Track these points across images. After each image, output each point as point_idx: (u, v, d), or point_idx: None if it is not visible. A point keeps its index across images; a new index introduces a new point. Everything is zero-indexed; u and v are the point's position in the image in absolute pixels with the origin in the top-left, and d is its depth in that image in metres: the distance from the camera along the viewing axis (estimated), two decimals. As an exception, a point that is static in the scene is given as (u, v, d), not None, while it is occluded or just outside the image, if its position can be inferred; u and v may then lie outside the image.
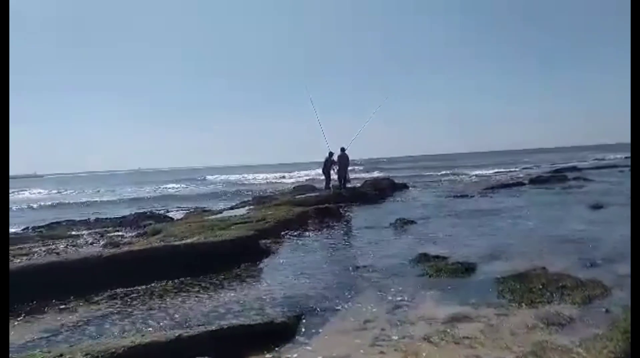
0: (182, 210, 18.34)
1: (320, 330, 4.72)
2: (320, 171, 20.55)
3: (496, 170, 36.74)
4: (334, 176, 19.29)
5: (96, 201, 29.70)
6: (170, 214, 16.04)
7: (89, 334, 4.95)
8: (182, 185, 44.60)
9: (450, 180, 29.22)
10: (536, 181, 20.95)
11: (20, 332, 5.09)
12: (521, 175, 27.73)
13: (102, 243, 10.10)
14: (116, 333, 4.93)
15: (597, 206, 12.05)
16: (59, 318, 5.54)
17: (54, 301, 6.12)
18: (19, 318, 5.59)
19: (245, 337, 4.28)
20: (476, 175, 32.35)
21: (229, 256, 7.85)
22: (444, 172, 38.87)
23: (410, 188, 22.50)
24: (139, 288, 6.66)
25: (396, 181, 23.29)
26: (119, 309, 5.81)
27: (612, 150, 68.12)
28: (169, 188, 41.17)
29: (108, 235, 11.06)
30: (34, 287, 6.22)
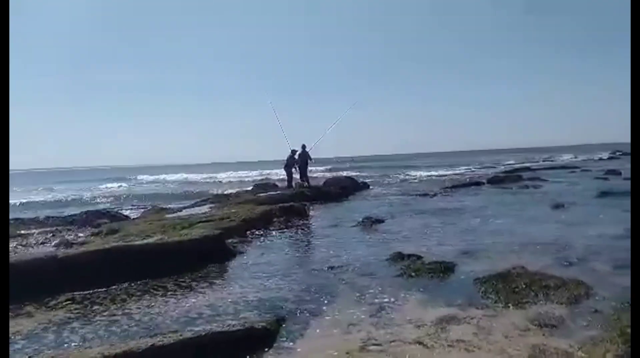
0: (137, 209, 17.60)
1: (304, 334, 4.44)
2: (282, 169, 20.19)
3: (452, 171, 37.26)
4: (296, 174, 19.04)
5: (35, 201, 27.34)
6: (125, 213, 15.31)
7: (48, 343, 4.48)
8: (122, 184, 42.69)
9: (408, 179, 29.47)
10: (493, 180, 21.30)
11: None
12: (479, 174, 28.28)
13: (54, 242, 9.43)
14: (77, 342, 4.48)
15: (558, 206, 12.24)
16: (12, 325, 5.00)
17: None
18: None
19: (225, 344, 3.94)
20: (433, 175, 32.72)
21: (195, 256, 7.43)
22: (401, 172, 39.20)
23: (371, 187, 22.47)
24: (99, 291, 6.18)
25: (359, 180, 23.22)
26: (78, 315, 5.33)
27: (560, 152, 70.93)
28: (108, 187, 39.33)
29: (60, 234, 10.34)
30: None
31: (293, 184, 18.97)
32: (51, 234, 10.28)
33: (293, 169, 19.01)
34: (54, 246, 9.09)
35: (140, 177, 56.53)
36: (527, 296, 5.04)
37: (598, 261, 6.51)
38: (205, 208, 13.90)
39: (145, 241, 7.64)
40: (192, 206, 15.70)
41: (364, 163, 69.60)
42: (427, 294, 5.43)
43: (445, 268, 6.33)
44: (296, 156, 18.51)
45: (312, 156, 18.50)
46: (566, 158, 53.12)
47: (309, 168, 19.07)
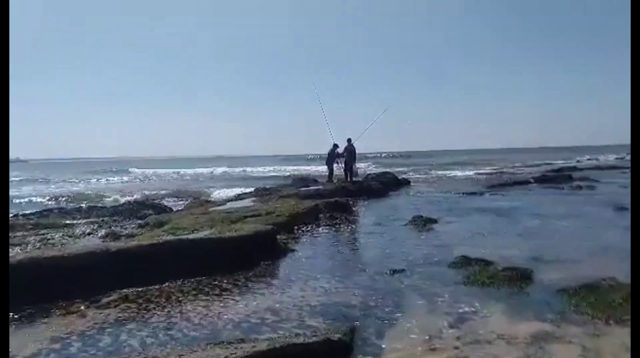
0: (178, 200, 17.48)
1: (383, 347, 4.02)
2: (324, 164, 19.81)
3: (491, 169, 36.17)
4: (337, 169, 18.67)
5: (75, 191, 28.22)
6: (168, 204, 15.17)
7: (105, 347, 4.17)
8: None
9: (446, 177, 28.70)
10: (542, 180, 20.42)
11: (22, 340, 4.30)
12: (523, 173, 27.31)
13: (100, 233, 9.26)
14: (137, 345, 4.18)
15: (620, 208, 11.48)
16: (65, 324, 4.75)
17: (57, 302, 5.33)
18: (18, 322, 4.80)
19: (302, 356, 3.56)
20: (470, 173, 31.64)
21: (248, 253, 7.11)
22: (435, 168, 38.37)
23: (412, 184, 21.90)
24: (152, 288, 5.89)
25: (399, 176, 22.70)
26: (133, 314, 5.03)
27: (600, 152, 68.49)
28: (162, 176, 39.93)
29: (106, 225, 10.18)
30: (32, 285, 5.44)
31: (334, 179, 18.61)
32: (97, 225, 10.11)
33: (335, 164, 18.64)
34: (101, 238, 8.93)
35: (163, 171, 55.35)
36: (628, 313, 4.50)
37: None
38: (248, 202, 13.62)
39: (198, 235, 7.34)
40: (235, 199, 15.46)
41: (395, 159, 68.79)
42: (510, 305, 4.92)
43: (522, 276, 5.79)
44: (340, 151, 18.14)
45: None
46: (612, 157, 51.15)
47: (356, 164, 18.62)
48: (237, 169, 51.58)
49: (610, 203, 12.75)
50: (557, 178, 20.69)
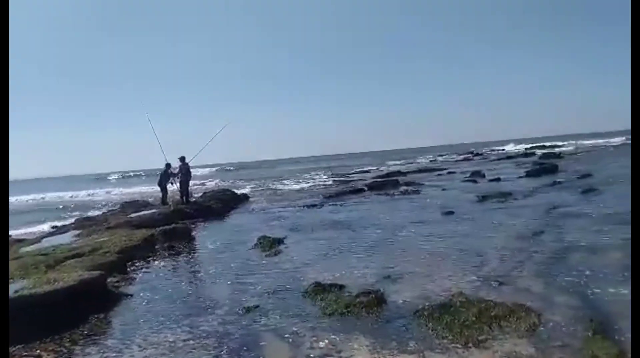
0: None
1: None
2: (156, 185, 18.49)
3: (319, 179, 37.43)
4: (172, 188, 17.51)
5: None
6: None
7: None
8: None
9: (292, 187, 28.88)
10: (374, 186, 21.52)
11: None
12: (352, 180, 28.60)
13: None
14: None
15: (448, 213, 12.41)
16: None
17: None
18: None
19: None
20: (305, 185, 32.14)
21: (71, 307, 5.99)
22: (272, 179, 38.56)
23: (251, 199, 21.51)
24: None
25: (238, 191, 22.18)
26: None
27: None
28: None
29: None
30: None
31: (169, 201, 17.39)
32: None
33: (169, 184, 17.44)
34: None
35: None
36: (483, 332, 4.57)
37: (523, 277, 6.36)
38: (68, 237, 11.94)
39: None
40: (52, 234, 13.48)
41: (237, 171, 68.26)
42: (373, 337, 4.72)
43: (377, 301, 5.67)
44: (174, 170, 17.02)
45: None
46: (424, 159, 56.68)
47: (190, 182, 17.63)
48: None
49: (436, 207, 13.78)
50: (386, 184, 21.98)
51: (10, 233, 15.98)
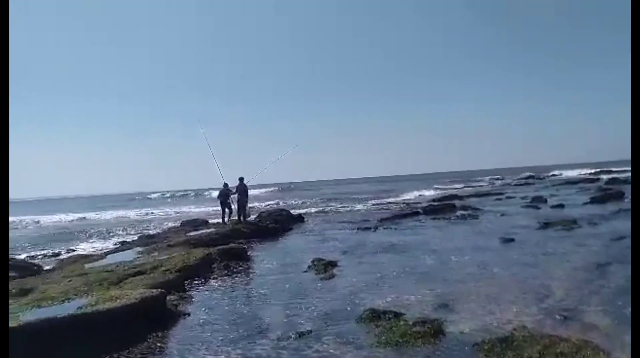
0: (50, 255, 15.49)
1: None
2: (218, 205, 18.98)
3: (377, 200, 37.10)
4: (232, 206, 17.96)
5: None
6: (37, 261, 13.34)
7: None
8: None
9: (346, 209, 28.85)
10: (430, 210, 21.14)
11: None
12: (411, 201, 28.23)
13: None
14: None
15: (508, 240, 11.99)
16: None
17: None
18: None
19: None
20: (373, 204, 31.93)
21: (132, 324, 6.17)
22: (326, 199, 38.67)
23: (306, 220, 21.62)
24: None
25: (294, 212, 22.35)
26: None
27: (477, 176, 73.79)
28: None
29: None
30: None
31: (226, 220, 17.79)
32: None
33: (230, 203, 17.94)
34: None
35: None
36: (547, 370, 4.34)
37: (590, 311, 6.02)
38: (131, 254, 12.38)
39: (68, 310, 6.19)
40: (115, 251, 14.02)
41: (293, 191, 68.94)
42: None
43: (435, 332, 5.51)
44: (233, 190, 17.48)
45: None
46: (484, 183, 55.29)
47: (248, 204, 18.03)
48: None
49: (495, 233, 13.34)
50: (443, 208, 21.54)
51: (76, 248, 16.79)
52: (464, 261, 9.78)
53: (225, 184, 17.70)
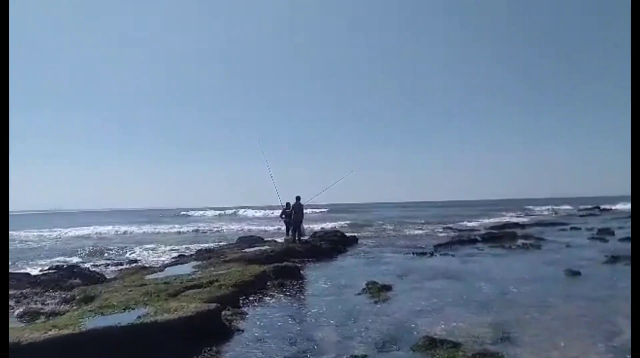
0: (112, 264, 16.09)
1: None
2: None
3: (439, 225, 36.31)
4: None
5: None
6: (99, 269, 13.89)
7: None
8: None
9: (401, 233, 28.45)
10: (489, 238, 20.49)
11: None
12: (469, 227, 27.50)
13: (17, 311, 8.11)
14: None
15: (574, 272, 11.39)
16: None
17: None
18: None
19: None
20: (430, 228, 31.31)
21: (186, 338, 6.27)
22: (380, 221, 38.24)
23: (360, 242, 21.45)
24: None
25: (347, 234, 22.27)
26: None
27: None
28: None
29: (25, 300, 8.99)
30: None
31: (289, 236, 18.14)
32: (15, 299, 8.91)
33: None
34: (18, 317, 7.80)
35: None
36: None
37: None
38: (188, 267, 12.65)
39: (129, 320, 6.38)
40: (173, 263, 14.38)
41: (347, 212, 68.78)
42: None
43: (495, 363, 5.28)
44: (289, 209, 17.77)
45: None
46: (545, 212, 53.15)
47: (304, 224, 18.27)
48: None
49: (560, 264, 12.72)
50: (503, 236, 20.82)
51: (136, 259, 17.35)
52: (525, 292, 9.37)
53: (287, 204, 18.05)
